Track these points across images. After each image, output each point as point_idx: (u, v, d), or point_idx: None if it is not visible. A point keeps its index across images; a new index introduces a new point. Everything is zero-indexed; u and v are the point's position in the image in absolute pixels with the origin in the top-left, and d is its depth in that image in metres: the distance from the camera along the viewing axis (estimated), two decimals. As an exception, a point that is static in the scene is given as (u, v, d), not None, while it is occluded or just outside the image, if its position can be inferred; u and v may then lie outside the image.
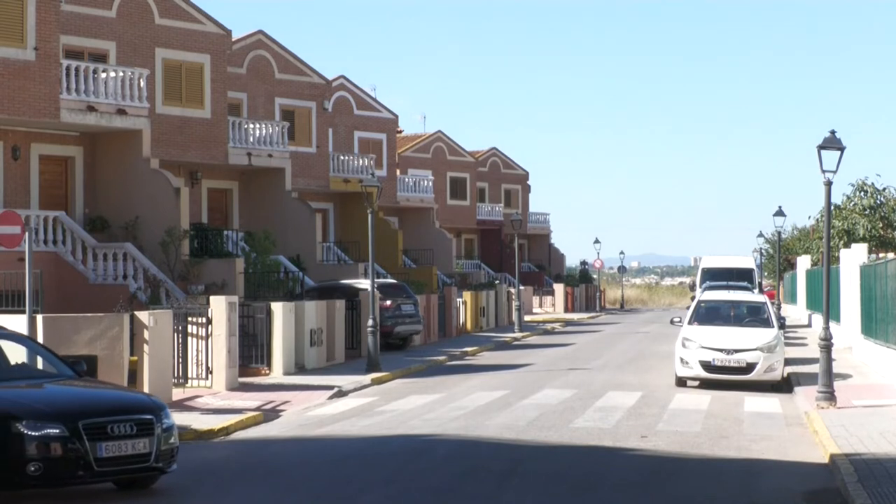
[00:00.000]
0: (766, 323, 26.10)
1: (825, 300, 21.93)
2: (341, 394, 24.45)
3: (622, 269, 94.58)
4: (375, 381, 26.73)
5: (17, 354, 14.75)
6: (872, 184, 44.79)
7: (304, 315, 28.93)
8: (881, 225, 43.56)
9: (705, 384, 24.85)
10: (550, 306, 70.14)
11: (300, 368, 28.63)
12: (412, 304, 36.91)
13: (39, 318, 20.24)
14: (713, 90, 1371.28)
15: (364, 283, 34.80)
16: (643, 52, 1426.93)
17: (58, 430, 12.29)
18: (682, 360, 24.89)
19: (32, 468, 12.13)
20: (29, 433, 12.21)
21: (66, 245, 29.36)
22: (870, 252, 35.51)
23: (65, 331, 20.48)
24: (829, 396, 20.84)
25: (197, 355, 24.99)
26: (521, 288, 51.49)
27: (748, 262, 43.98)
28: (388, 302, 35.56)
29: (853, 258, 32.77)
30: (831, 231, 32.25)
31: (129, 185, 32.09)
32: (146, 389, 21.30)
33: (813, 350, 27.51)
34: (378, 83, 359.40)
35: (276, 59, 45.10)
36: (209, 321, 24.93)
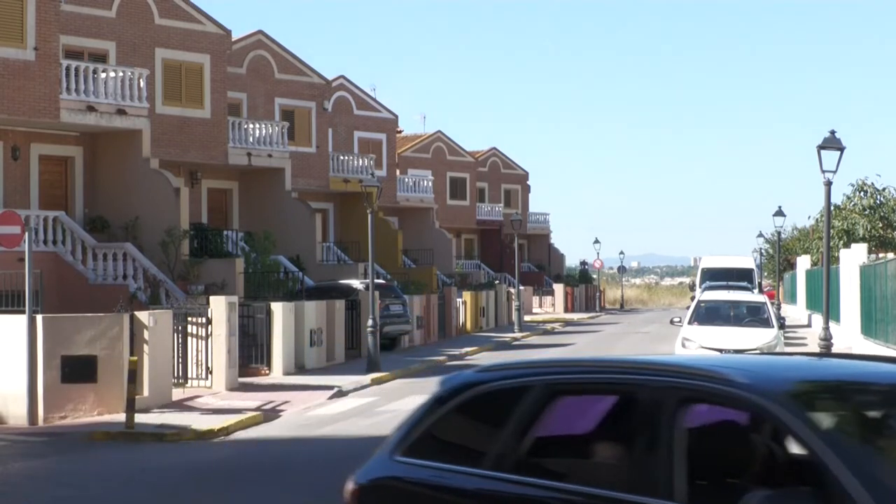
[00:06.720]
0: (766, 323, 26.09)
1: (825, 300, 21.95)
2: (341, 394, 24.45)
3: (622, 270, 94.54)
4: (375, 382, 26.73)
5: None
6: (872, 184, 44.89)
7: (303, 315, 28.93)
8: (881, 225, 43.61)
9: (705, 384, 24.79)
10: (550, 306, 70.12)
11: (300, 368, 28.63)
12: (401, 305, 36.79)
13: (39, 318, 20.25)
14: (713, 90, 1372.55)
15: (360, 283, 34.83)
16: (643, 52, 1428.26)
17: None
18: (681, 360, 24.86)
19: None
20: None
21: (66, 245, 29.34)
22: (870, 252, 35.51)
23: (65, 331, 20.47)
24: (829, 396, 20.80)
25: (197, 355, 24.99)
26: (521, 288, 51.46)
27: (748, 262, 44.08)
28: (377, 302, 35.51)
29: (853, 258, 32.77)
30: (831, 231, 32.24)
31: (129, 185, 32.08)
32: (146, 389, 21.32)
33: (813, 350, 27.49)
34: (378, 83, 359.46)
35: (276, 59, 45.10)
36: (209, 321, 24.93)
